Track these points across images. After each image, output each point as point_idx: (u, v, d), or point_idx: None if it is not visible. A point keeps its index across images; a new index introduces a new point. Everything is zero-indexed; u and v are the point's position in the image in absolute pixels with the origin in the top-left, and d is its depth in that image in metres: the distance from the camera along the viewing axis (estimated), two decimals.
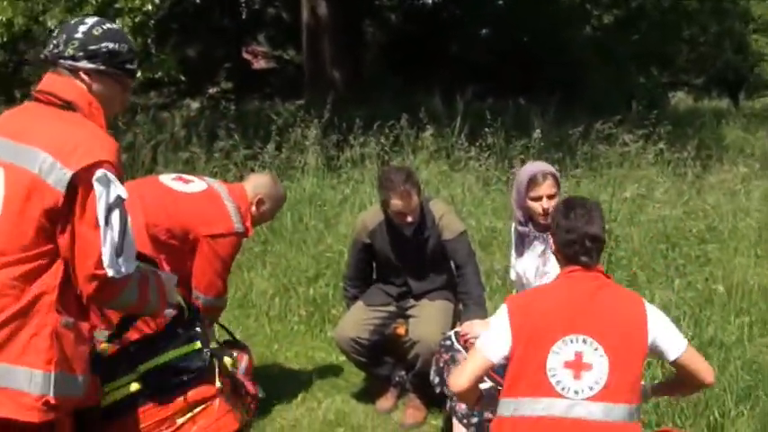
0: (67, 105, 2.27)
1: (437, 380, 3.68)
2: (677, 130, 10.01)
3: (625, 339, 2.56)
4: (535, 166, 3.87)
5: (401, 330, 4.32)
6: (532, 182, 3.68)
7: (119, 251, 2.21)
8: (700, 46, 16.32)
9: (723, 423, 3.65)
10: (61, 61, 2.29)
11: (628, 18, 15.55)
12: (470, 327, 3.75)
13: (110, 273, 2.20)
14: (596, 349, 2.53)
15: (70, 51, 2.28)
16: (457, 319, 4.24)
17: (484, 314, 4.05)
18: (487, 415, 3.36)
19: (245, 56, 17.43)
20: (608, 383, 2.50)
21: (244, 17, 13.20)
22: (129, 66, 2.40)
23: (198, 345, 2.95)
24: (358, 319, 4.25)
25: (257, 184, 4.07)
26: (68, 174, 2.14)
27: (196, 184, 3.92)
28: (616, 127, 8.74)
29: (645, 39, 15.20)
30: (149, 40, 8.22)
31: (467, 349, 3.58)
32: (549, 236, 3.15)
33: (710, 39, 16.43)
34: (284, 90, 15.22)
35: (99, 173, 2.17)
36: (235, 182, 4.22)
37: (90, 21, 2.35)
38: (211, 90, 16.50)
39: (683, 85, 19.61)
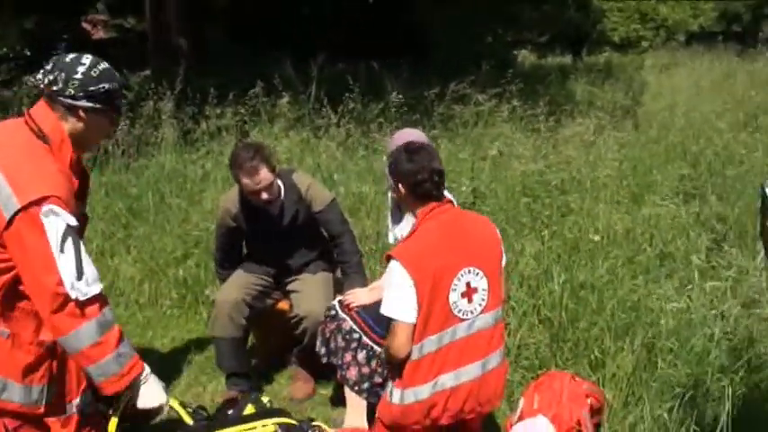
0: (42, 137, 2.42)
1: (323, 350, 3.64)
2: (527, 87, 10.35)
3: (491, 257, 2.98)
4: (404, 136, 3.82)
5: (284, 305, 4.24)
6: None
7: (78, 275, 2.31)
8: (542, 4, 16.84)
9: (604, 360, 3.81)
10: (61, 99, 2.44)
11: None
12: (353, 295, 3.73)
13: (72, 294, 2.29)
14: (478, 274, 2.89)
15: (71, 91, 2.43)
16: (338, 287, 4.20)
17: (363, 280, 4.08)
18: (377, 379, 3.40)
19: (84, 25, 16.46)
20: (489, 295, 2.92)
21: None
22: (118, 102, 2.57)
23: None
24: (243, 282, 4.12)
25: None
26: (16, 203, 2.25)
27: None
28: (469, 87, 8.92)
29: None
30: None
31: (351, 317, 3.57)
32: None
33: None
34: (127, 61, 14.47)
35: (45, 207, 2.27)
36: None
37: (86, 60, 2.49)
38: None
39: (527, 43, 20.23)
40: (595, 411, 3.44)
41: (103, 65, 2.51)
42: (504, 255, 3.05)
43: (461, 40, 14.44)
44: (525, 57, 21.12)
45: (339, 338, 3.59)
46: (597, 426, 3.47)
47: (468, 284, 2.86)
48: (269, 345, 4.59)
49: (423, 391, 2.85)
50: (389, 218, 4.20)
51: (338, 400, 4.07)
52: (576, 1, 19.09)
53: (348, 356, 3.50)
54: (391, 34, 15.24)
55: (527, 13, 16.44)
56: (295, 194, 4.03)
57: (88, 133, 2.52)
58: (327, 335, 3.68)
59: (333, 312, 3.76)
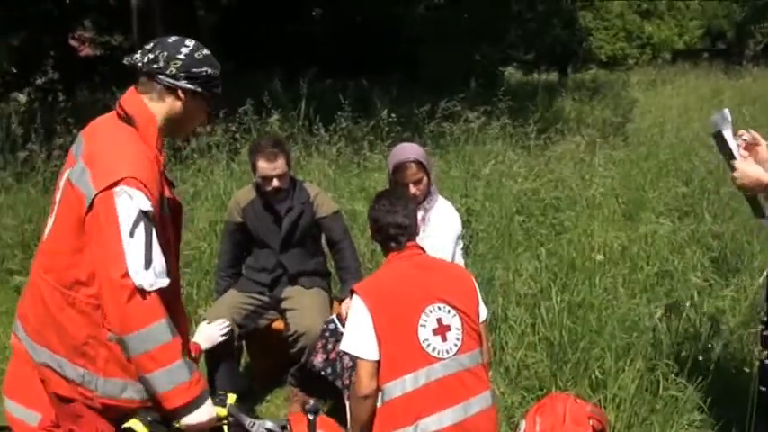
0: (127, 119, 2.36)
1: (329, 370, 3.60)
2: (516, 105, 10.37)
3: (464, 297, 2.90)
4: (402, 151, 3.89)
5: (279, 325, 4.18)
6: (398, 170, 3.79)
7: (147, 263, 2.18)
8: (528, 22, 16.96)
9: (605, 380, 3.76)
10: (160, 77, 2.37)
11: None
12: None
13: (137, 280, 2.16)
14: (449, 311, 2.82)
15: (172, 70, 2.37)
16: (335, 300, 4.26)
17: None
18: None
19: (72, 43, 16.38)
20: (464, 335, 2.82)
21: (68, 1, 12.30)
22: (216, 91, 2.49)
23: None
24: (232, 302, 4.11)
25: None
26: (93, 189, 2.19)
27: None
28: (459, 104, 8.92)
29: (475, 17, 15.58)
30: None
31: None
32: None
33: (539, 16, 17.14)
34: (115, 78, 14.41)
35: (118, 189, 2.18)
36: None
37: (190, 44, 2.43)
38: (39, 81, 15.37)
39: (513, 61, 20.32)
40: None
41: (206, 51, 2.46)
42: (481, 305, 2.97)
43: (449, 57, 14.48)
44: (512, 74, 21.23)
45: (346, 359, 3.53)
46: None
47: (439, 321, 2.78)
48: (265, 365, 4.53)
49: None
50: None
51: (336, 421, 4.00)
52: (561, 19, 19.24)
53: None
54: (379, 51, 15.28)
55: (513, 30, 16.56)
56: (303, 197, 4.17)
57: (184, 116, 2.46)
58: (332, 354, 3.64)
59: (332, 326, 3.73)
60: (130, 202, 2.18)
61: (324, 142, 7.86)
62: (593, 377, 3.81)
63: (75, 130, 7.20)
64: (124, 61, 2.46)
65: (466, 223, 5.66)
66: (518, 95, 12.22)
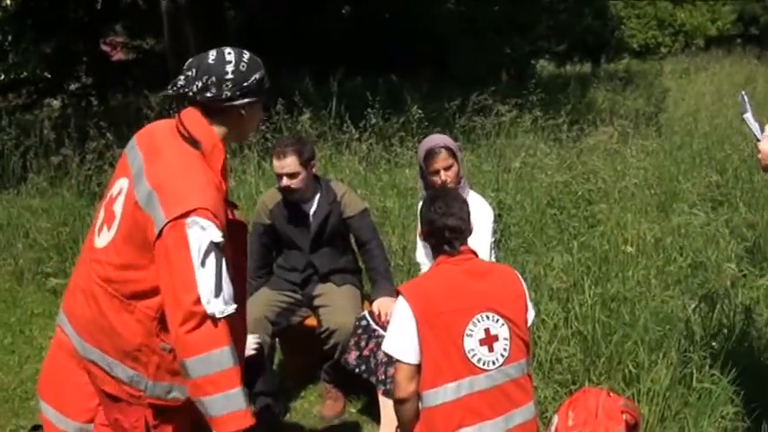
0: (194, 143, 2.37)
1: (363, 367, 3.62)
2: (548, 97, 10.30)
3: (514, 306, 2.81)
4: (431, 140, 3.93)
5: (312, 321, 4.22)
6: (428, 157, 3.79)
7: (217, 291, 2.23)
8: (559, 14, 16.80)
9: (639, 374, 3.74)
10: (217, 104, 2.37)
11: None
12: (384, 305, 3.76)
13: (209, 309, 2.21)
14: (497, 321, 2.74)
15: (227, 93, 2.36)
16: (366, 299, 4.25)
17: (392, 287, 4.04)
18: None
19: (103, 48, 16.60)
20: (511, 345, 2.75)
21: (99, 7, 12.46)
22: (266, 85, 2.49)
23: None
24: (265, 300, 4.14)
25: None
26: (164, 218, 2.22)
27: None
28: (490, 98, 8.90)
29: (505, 9, 15.49)
30: (8, 39, 7.61)
31: (384, 328, 3.53)
32: None
33: (570, 6, 16.99)
34: (147, 81, 14.58)
35: (190, 220, 2.21)
36: None
37: (230, 56, 2.40)
38: (72, 86, 15.59)
39: (545, 53, 20.14)
40: (631, 428, 3.36)
41: (246, 55, 2.45)
42: (530, 309, 2.91)
43: (480, 51, 14.41)
44: (543, 66, 21.06)
45: (380, 354, 3.55)
46: None
47: (486, 331, 2.72)
48: (298, 362, 4.57)
49: None
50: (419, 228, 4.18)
51: (369, 418, 4.05)
52: (593, 9, 19.02)
53: (392, 370, 3.45)
54: (409, 47, 15.24)
55: (544, 22, 16.41)
56: (330, 197, 4.15)
57: (246, 126, 2.52)
58: (365, 351, 3.67)
59: (364, 323, 3.77)
60: (202, 234, 2.22)
61: (354, 139, 7.89)
62: (626, 371, 3.79)
63: (108, 134, 7.35)
64: (169, 91, 2.44)
65: (497, 218, 5.66)
66: (550, 87, 12.13)
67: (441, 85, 12.60)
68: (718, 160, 7.31)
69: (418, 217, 4.04)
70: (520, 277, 2.95)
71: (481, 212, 3.78)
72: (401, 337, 2.72)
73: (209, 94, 2.36)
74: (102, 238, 2.41)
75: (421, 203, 3.06)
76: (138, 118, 8.04)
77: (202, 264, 2.21)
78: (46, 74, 8.84)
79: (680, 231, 5.34)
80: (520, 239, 5.58)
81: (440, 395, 2.68)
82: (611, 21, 22.50)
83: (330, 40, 15.83)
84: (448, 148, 3.78)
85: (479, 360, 2.70)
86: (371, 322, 3.80)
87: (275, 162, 4.01)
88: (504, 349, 2.74)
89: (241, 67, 2.39)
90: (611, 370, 3.85)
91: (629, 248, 4.69)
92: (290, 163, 3.96)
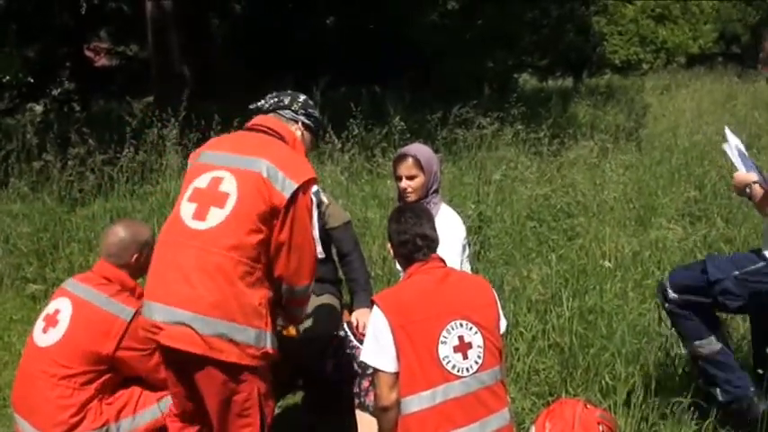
0: (279, 136, 3.05)
1: (340, 378, 3.61)
2: (530, 111, 10.38)
3: (486, 313, 2.89)
4: (407, 146, 3.96)
5: (291, 331, 4.20)
6: (396, 160, 3.85)
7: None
8: (542, 29, 16.95)
9: (615, 386, 3.76)
10: (285, 111, 3.16)
11: (472, 4, 15.92)
12: (363, 316, 3.75)
13: (320, 256, 3.11)
14: (471, 328, 2.81)
15: (296, 107, 3.18)
16: (346, 309, 4.24)
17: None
18: None
19: (87, 53, 16.52)
20: (485, 353, 2.81)
21: (83, 12, 12.43)
22: (321, 131, 3.44)
23: None
24: None
25: (119, 247, 3.47)
26: (294, 184, 2.87)
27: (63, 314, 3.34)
28: (472, 111, 8.95)
29: (489, 23, 15.60)
30: None
31: (362, 340, 3.53)
32: None
33: (552, 22, 17.14)
34: (131, 88, 14.56)
35: (315, 188, 2.96)
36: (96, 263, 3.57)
37: (302, 96, 3.26)
38: (55, 92, 15.56)
39: (528, 67, 20.30)
40: None
41: (312, 102, 3.28)
42: (501, 317, 2.97)
43: (463, 63, 14.50)
44: (526, 80, 21.23)
45: (354, 365, 3.56)
46: None
47: (460, 338, 2.78)
48: (277, 372, 4.54)
49: None
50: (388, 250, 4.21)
51: (349, 427, 4.03)
52: (575, 25, 19.21)
53: (366, 382, 3.46)
54: (393, 59, 15.32)
55: (527, 37, 16.55)
56: None
57: (301, 145, 3.16)
58: (341, 361, 3.67)
59: (342, 333, 3.77)
60: (314, 199, 2.94)
61: (337, 150, 7.90)
62: (602, 383, 3.82)
63: (90, 140, 7.32)
64: (251, 106, 3.23)
65: (477, 229, 5.69)
66: (531, 101, 12.24)
67: (423, 96, 12.66)
68: (697, 176, 7.39)
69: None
70: (490, 286, 3.03)
71: (451, 226, 3.75)
72: (378, 346, 2.76)
73: (282, 104, 3.16)
74: (212, 219, 2.83)
75: (389, 221, 3.12)
76: (121, 124, 8.03)
77: (313, 223, 2.97)
78: (29, 78, 8.81)
79: (658, 245, 5.39)
80: (499, 251, 5.61)
81: (415, 403, 2.72)
82: (594, 37, 22.72)
83: (315, 51, 15.86)
84: (416, 159, 3.75)
85: (454, 367, 2.74)
86: (349, 333, 3.79)
87: None
88: (479, 356, 2.79)
89: (309, 102, 3.24)
90: (588, 381, 3.88)
91: (606, 263, 4.72)
92: None
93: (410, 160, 3.76)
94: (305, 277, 3.01)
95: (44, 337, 3.29)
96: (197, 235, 2.83)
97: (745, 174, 3.30)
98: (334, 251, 4.32)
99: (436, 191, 3.85)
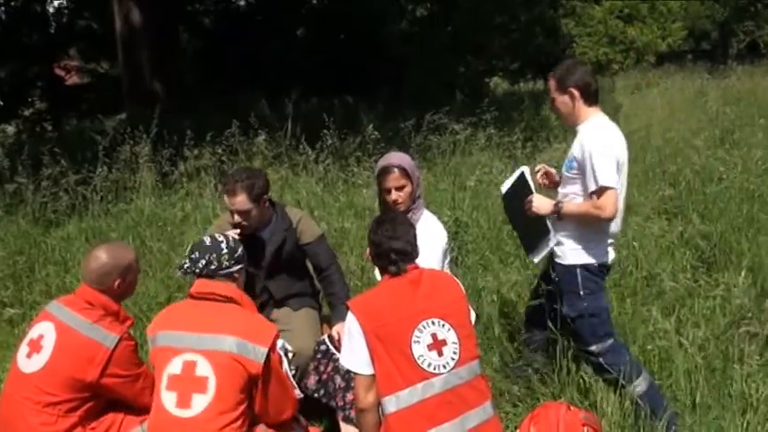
0: (229, 300, 3.11)
1: (322, 391, 3.59)
2: (502, 115, 10.41)
3: (457, 310, 2.96)
4: (387, 158, 3.93)
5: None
6: (381, 174, 3.82)
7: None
8: (511, 33, 17.02)
9: (592, 384, 3.75)
10: (220, 272, 3.16)
11: (441, 10, 15.97)
12: (343, 329, 3.69)
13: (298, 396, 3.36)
14: (444, 326, 2.87)
15: (225, 263, 3.17)
16: (325, 321, 4.21)
17: None
18: None
19: (58, 72, 16.37)
20: (461, 349, 2.87)
21: (53, 31, 12.32)
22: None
23: None
24: None
25: (99, 273, 3.34)
26: (264, 349, 2.95)
27: (47, 340, 3.26)
28: (445, 117, 8.96)
29: (459, 30, 15.65)
30: None
31: None
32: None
33: (522, 26, 17.22)
34: (102, 105, 14.45)
35: (278, 342, 3.21)
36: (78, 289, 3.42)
37: (220, 237, 3.27)
38: (26, 112, 15.41)
39: (498, 71, 20.37)
40: None
41: (219, 236, 3.28)
42: (471, 311, 3.04)
43: (434, 70, 14.54)
44: (498, 84, 21.32)
45: (338, 379, 3.55)
46: None
47: (434, 336, 2.83)
48: None
49: None
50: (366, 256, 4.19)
51: None
52: (544, 28, 19.32)
53: (350, 396, 3.44)
54: (364, 68, 15.33)
55: (497, 41, 16.61)
56: (286, 223, 4.08)
57: (243, 292, 3.28)
58: (324, 375, 3.64)
59: (324, 347, 3.73)
60: (283, 350, 3.44)
61: (311, 160, 7.88)
62: (580, 383, 3.81)
63: (62, 161, 7.24)
64: (178, 274, 3.34)
65: (454, 235, 5.68)
66: (504, 105, 12.27)
67: (396, 104, 12.67)
68: (671, 173, 7.44)
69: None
70: (458, 281, 3.11)
71: (432, 233, 3.77)
72: (352, 350, 2.84)
73: (212, 266, 3.15)
74: (197, 405, 2.91)
75: (368, 230, 3.16)
76: (93, 143, 7.95)
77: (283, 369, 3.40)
78: None
79: (635, 244, 5.41)
80: (477, 256, 5.61)
81: (393, 402, 2.77)
82: (563, 39, 22.87)
83: (286, 63, 15.85)
84: (402, 168, 3.77)
85: (429, 365, 2.80)
86: (331, 347, 3.76)
87: (225, 198, 3.87)
88: (454, 353, 2.84)
89: (233, 244, 3.24)
90: (568, 383, 3.86)
91: None
92: (240, 201, 3.83)
93: (396, 171, 3.76)
94: (286, 413, 3.15)
95: (28, 362, 3.23)
96: (185, 423, 2.90)
97: (540, 196, 3.62)
98: (310, 266, 4.29)
99: (419, 196, 3.86)
